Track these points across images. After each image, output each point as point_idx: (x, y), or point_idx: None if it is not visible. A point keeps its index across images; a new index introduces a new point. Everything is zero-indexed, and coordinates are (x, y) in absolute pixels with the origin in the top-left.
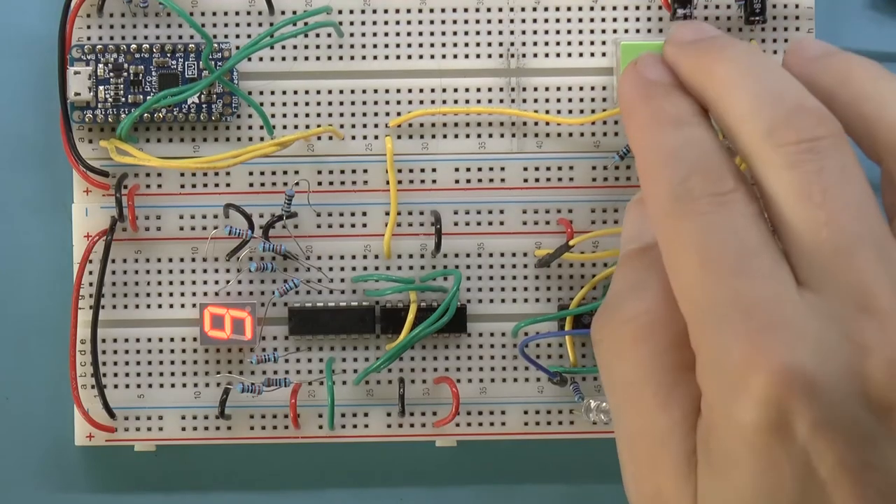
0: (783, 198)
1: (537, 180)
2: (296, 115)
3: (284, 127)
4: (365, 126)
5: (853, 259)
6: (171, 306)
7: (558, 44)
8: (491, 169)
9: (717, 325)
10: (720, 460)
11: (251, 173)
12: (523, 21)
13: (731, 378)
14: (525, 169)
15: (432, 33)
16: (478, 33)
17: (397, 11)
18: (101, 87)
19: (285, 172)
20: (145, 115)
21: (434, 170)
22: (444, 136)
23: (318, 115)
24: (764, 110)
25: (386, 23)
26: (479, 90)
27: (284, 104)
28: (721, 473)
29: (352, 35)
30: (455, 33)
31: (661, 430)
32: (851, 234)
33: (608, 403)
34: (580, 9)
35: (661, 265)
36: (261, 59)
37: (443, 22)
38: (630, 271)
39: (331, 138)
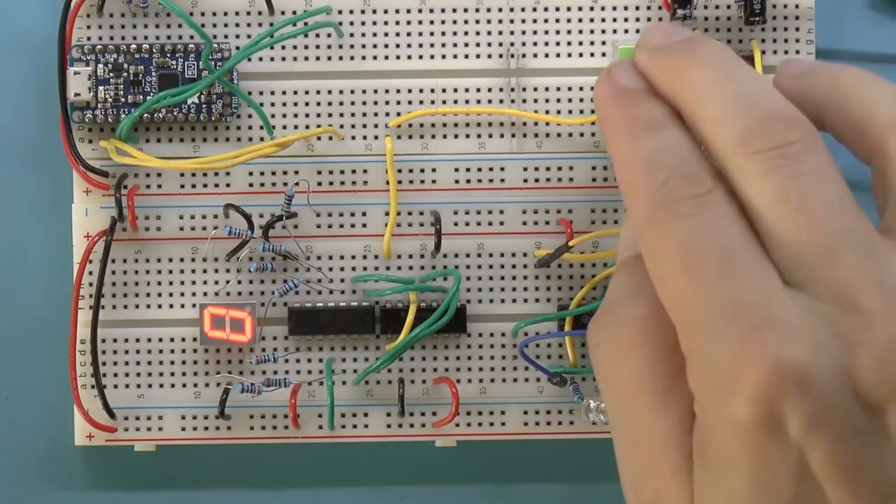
0: (761, 204)
1: (537, 180)
2: (296, 115)
3: (284, 127)
4: (365, 126)
5: (836, 259)
6: (171, 306)
7: (558, 44)
8: (491, 169)
9: (705, 329)
10: (715, 460)
11: (251, 173)
12: (523, 21)
13: (723, 378)
14: (525, 169)
15: (432, 33)
16: (478, 33)
17: (397, 11)
18: (100, 88)
19: (285, 172)
20: (145, 115)
21: (434, 170)
22: (444, 137)
23: (318, 115)
24: (735, 118)
25: (386, 23)
26: (478, 90)
27: (284, 104)
28: (717, 473)
29: (352, 35)
30: (455, 33)
31: (658, 433)
32: (832, 234)
33: (605, 406)
34: (580, 9)
35: None
36: (261, 59)
37: (443, 22)
38: (626, 277)
39: (331, 138)
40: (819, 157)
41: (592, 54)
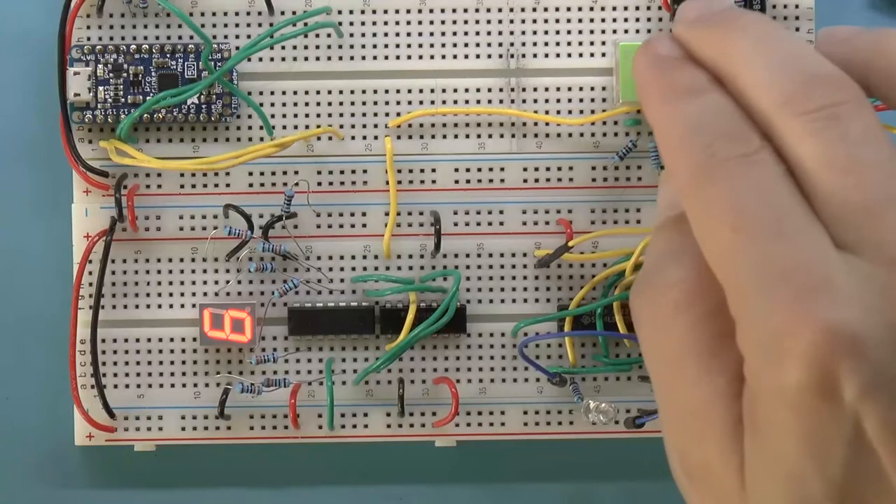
0: (809, 166)
1: (537, 180)
2: (296, 116)
3: (284, 127)
4: (365, 126)
5: (886, 220)
6: (171, 306)
7: (558, 44)
8: (491, 169)
9: (756, 290)
10: (766, 427)
11: (251, 173)
12: (523, 21)
13: (775, 342)
14: (525, 169)
15: (432, 33)
16: (478, 33)
17: (397, 11)
18: (100, 88)
19: (285, 173)
20: (145, 115)
21: (434, 170)
22: (444, 137)
23: (318, 115)
24: (780, 80)
25: (386, 23)
26: (478, 90)
27: (284, 104)
28: (767, 440)
29: (352, 35)
30: (455, 33)
31: (706, 399)
32: (882, 194)
33: (649, 373)
34: (580, 9)
35: None
36: (260, 59)
37: (443, 22)
38: (667, 238)
39: (331, 138)
40: (866, 117)
41: (592, 54)
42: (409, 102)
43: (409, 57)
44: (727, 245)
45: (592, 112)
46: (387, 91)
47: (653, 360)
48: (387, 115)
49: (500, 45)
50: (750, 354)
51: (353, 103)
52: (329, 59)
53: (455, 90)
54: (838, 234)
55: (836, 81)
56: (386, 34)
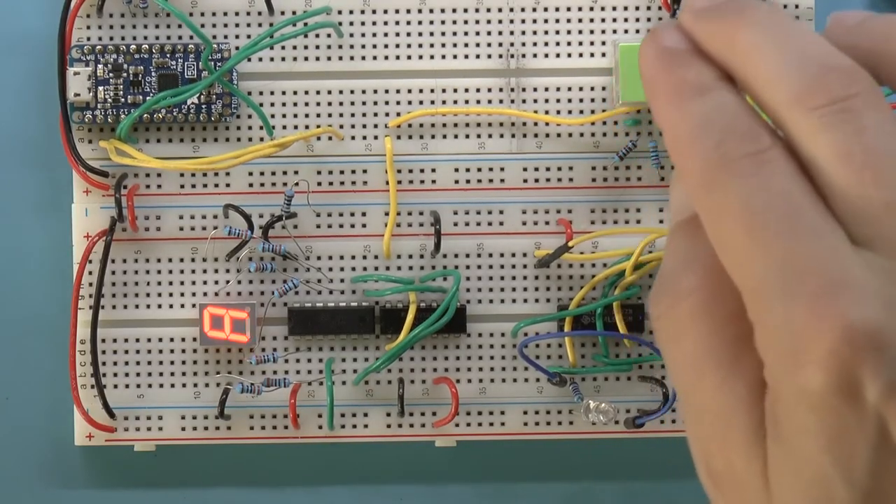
0: (824, 161)
1: (537, 181)
2: (296, 116)
3: (284, 127)
4: (365, 126)
5: None
6: (171, 306)
7: (558, 44)
8: (490, 169)
9: (773, 292)
10: (788, 431)
11: (251, 173)
12: (523, 21)
13: (794, 344)
14: (525, 169)
15: (432, 33)
16: (478, 33)
17: (397, 11)
18: (100, 88)
19: (285, 173)
20: (145, 115)
21: (434, 170)
22: (444, 137)
23: (318, 115)
24: (791, 74)
25: (386, 23)
26: (478, 90)
27: (284, 104)
28: (790, 444)
29: (352, 35)
30: (455, 33)
31: (727, 404)
32: None
33: (671, 380)
34: (580, 9)
35: None
36: (260, 59)
37: (443, 22)
38: (680, 243)
39: (331, 138)
40: (880, 109)
41: (592, 54)
42: (409, 102)
43: (409, 57)
44: (741, 247)
45: (592, 112)
46: (387, 91)
47: (673, 368)
48: (387, 115)
49: (500, 45)
50: (769, 357)
51: (353, 103)
52: (329, 59)
53: (455, 90)
54: (855, 230)
55: (849, 73)
56: (386, 34)
